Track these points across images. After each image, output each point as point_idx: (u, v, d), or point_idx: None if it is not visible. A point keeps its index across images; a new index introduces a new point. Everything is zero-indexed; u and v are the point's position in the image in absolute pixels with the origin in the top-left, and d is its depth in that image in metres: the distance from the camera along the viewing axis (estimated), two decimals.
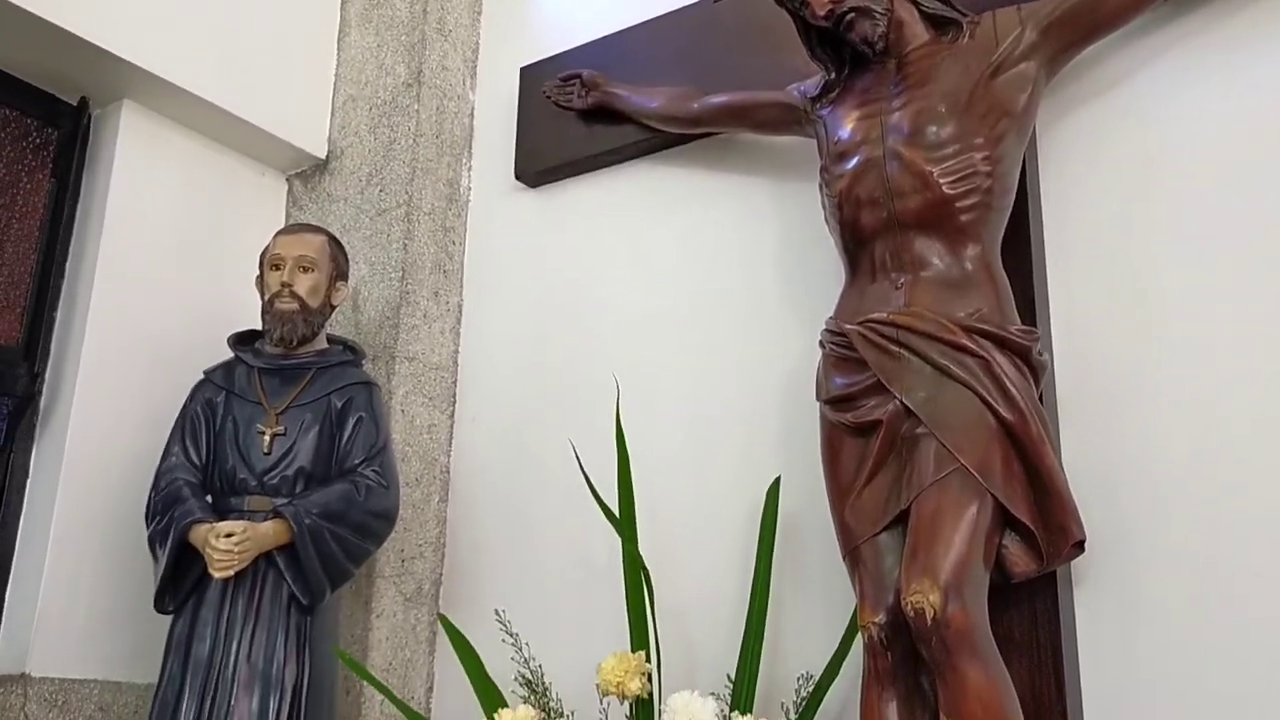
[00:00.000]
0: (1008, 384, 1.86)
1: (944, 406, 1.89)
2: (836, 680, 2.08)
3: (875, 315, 1.97)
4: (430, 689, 2.67)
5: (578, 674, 2.19)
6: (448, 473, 2.84)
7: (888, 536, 1.92)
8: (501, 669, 2.21)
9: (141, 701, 2.47)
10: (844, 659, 2.08)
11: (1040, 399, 1.93)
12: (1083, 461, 1.99)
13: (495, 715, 2.03)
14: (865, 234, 2.03)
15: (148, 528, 2.31)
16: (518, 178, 2.91)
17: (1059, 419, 2.04)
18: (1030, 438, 1.85)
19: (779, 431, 2.36)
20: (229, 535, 2.17)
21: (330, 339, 2.54)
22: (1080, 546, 1.89)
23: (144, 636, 2.47)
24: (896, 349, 1.94)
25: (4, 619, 2.43)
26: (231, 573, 2.18)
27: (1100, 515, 1.95)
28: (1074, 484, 1.88)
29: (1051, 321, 2.09)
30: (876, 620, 1.87)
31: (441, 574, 2.77)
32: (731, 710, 2.03)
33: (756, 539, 2.21)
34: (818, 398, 2.07)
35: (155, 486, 2.34)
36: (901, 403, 1.92)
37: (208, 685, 2.19)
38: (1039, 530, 1.87)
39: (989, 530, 1.84)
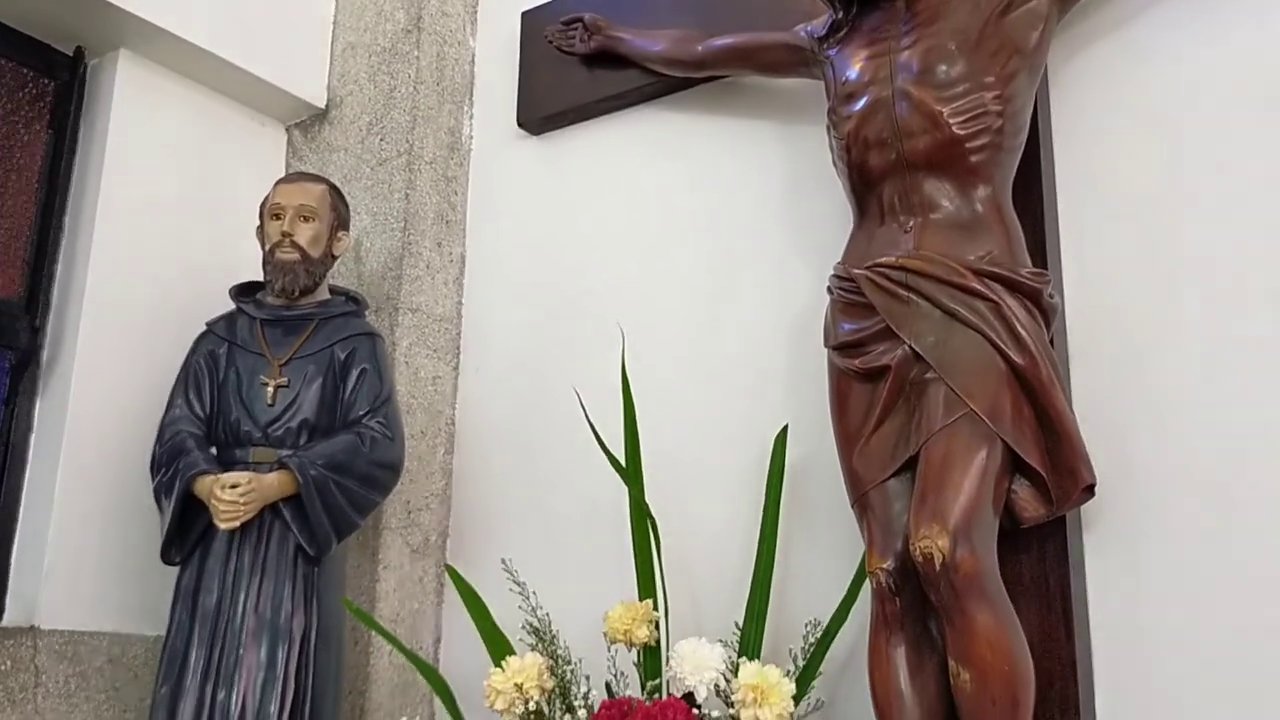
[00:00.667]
0: (1018, 327, 1.84)
1: (953, 351, 1.86)
2: (844, 626, 2.08)
3: (884, 259, 1.94)
4: (438, 640, 2.68)
5: (585, 623, 2.18)
6: (453, 425, 2.82)
7: (896, 483, 1.91)
8: (509, 619, 2.21)
9: (150, 654, 2.48)
10: (852, 605, 2.07)
11: (1051, 342, 1.91)
12: (1093, 405, 1.97)
13: (503, 663, 2.03)
14: (873, 176, 2.00)
15: (153, 480, 2.31)
16: (520, 125, 2.87)
17: (1070, 362, 2.02)
18: (1041, 381, 1.83)
19: (786, 379, 2.34)
20: (234, 486, 2.17)
21: (333, 290, 2.51)
22: (1090, 491, 1.88)
23: (152, 589, 2.47)
24: (905, 293, 1.91)
25: (12, 572, 2.43)
26: (237, 524, 2.18)
27: (1111, 459, 1.94)
28: (1084, 428, 1.87)
29: (1063, 264, 2.06)
30: (885, 566, 1.86)
31: (448, 526, 2.77)
32: (739, 656, 2.02)
33: (764, 487, 2.20)
34: (825, 344, 2.05)
35: (159, 439, 2.33)
36: (910, 348, 1.90)
37: (216, 635, 2.20)
38: (1049, 475, 1.85)
39: (998, 475, 1.82)
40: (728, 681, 1.96)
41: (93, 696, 2.41)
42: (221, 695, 2.17)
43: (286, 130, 3.07)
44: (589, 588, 2.34)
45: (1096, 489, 1.87)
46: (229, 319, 2.45)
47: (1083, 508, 1.95)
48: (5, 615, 2.39)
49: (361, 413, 2.35)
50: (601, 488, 2.44)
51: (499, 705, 1.98)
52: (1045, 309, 1.90)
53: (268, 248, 2.42)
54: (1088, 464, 1.85)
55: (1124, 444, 1.97)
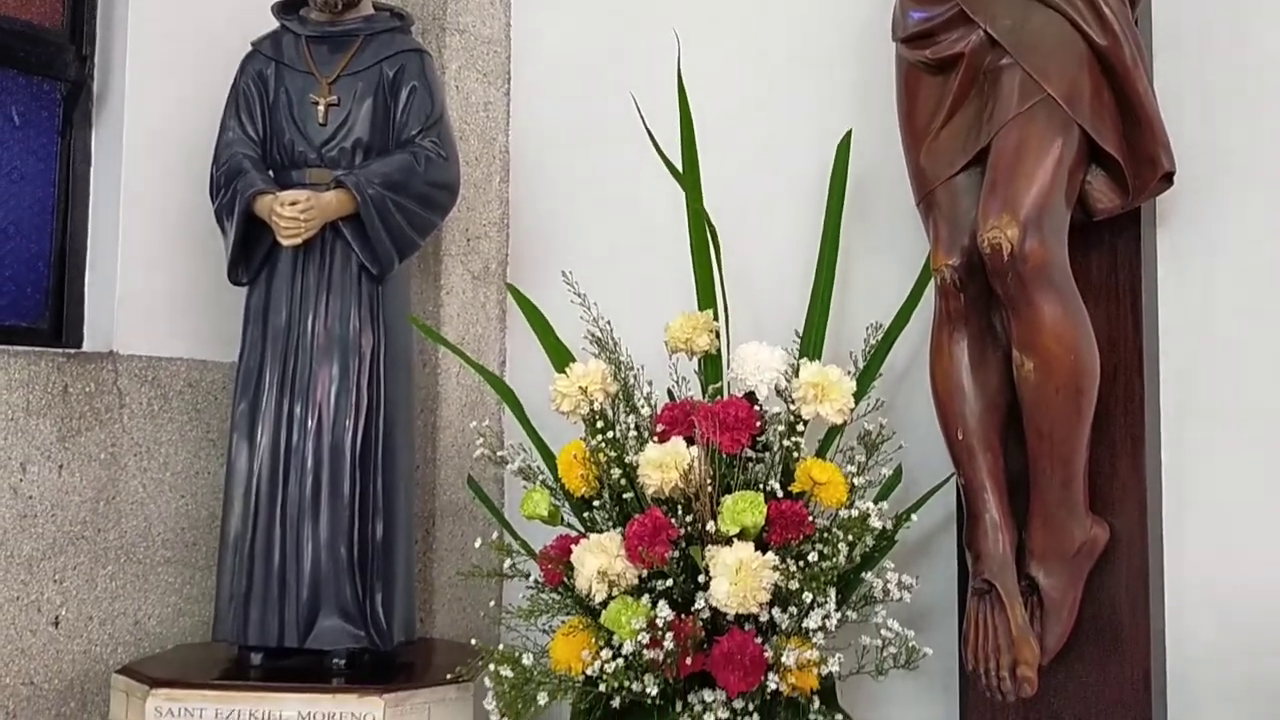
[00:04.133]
0: (1101, 5, 1.74)
1: (1031, 33, 1.77)
2: (906, 329, 2.08)
3: None
4: (503, 363, 2.73)
5: (646, 339, 2.18)
6: (507, 152, 2.78)
7: (965, 178, 1.86)
8: (571, 337, 2.24)
9: (227, 378, 2.55)
10: (914, 307, 2.07)
11: (1135, 22, 1.80)
12: (1177, 89, 1.88)
13: (567, 369, 2.06)
14: None
15: (213, 204, 2.32)
16: None
17: (1153, 43, 1.91)
18: (1123, 63, 1.74)
19: (851, 83, 2.26)
20: (294, 203, 2.17)
21: (376, 5, 2.43)
22: (1169, 179, 1.81)
23: (225, 319, 2.52)
24: None
25: (87, 301, 2.49)
26: (300, 240, 2.19)
27: (1191, 147, 1.86)
28: (1166, 113, 1.78)
29: None
30: (950, 263, 1.84)
31: (507, 254, 2.77)
32: (799, 359, 2.03)
33: (825, 195, 2.16)
34: (894, 37, 1.96)
35: (216, 162, 2.33)
36: (985, 32, 1.81)
37: (288, 351, 2.25)
38: (1126, 163, 1.79)
39: (1073, 164, 1.77)
40: (788, 382, 1.97)
41: (175, 417, 2.51)
42: (299, 409, 2.24)
43: None
44: (649, 305, 2.32)
45: (1175, 178, 1.81)
46: (274, 38, 2.39)
47: (1158, 200, 1.90)
48: (85, 341, 2.47)
49: (414, 132, 2.31)
50: (660, 203, 2.40)
51: (564, 407, 2.03)
52: None
53: None
54: (1168, 151, 1.78)
55: (1207, 131, 1.88)
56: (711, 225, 2.14)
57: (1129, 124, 1.78)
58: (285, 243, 2.19)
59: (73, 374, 2.34)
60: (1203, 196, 1.90)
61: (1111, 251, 1.90)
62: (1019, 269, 1.70)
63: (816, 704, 1.83)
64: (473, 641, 1.99)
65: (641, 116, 2.17)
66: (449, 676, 2.00)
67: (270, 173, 2.32)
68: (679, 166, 2.18)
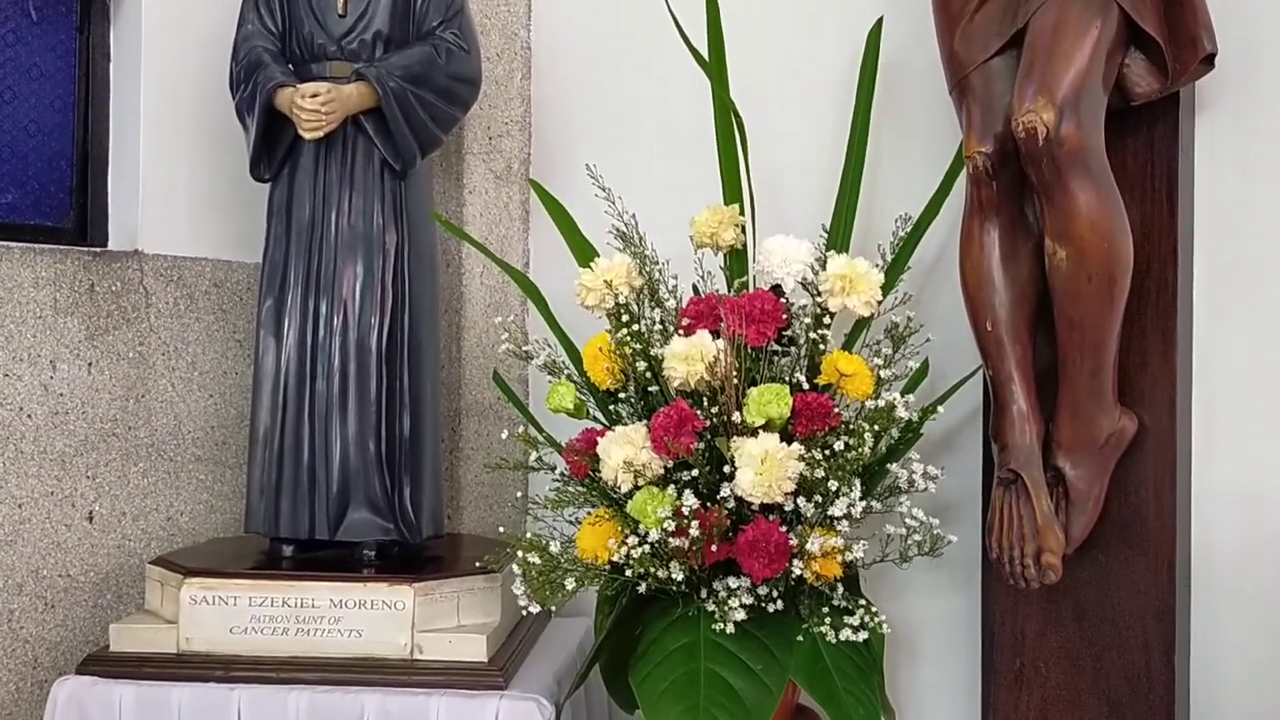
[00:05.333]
0: None
1: None
2: (935, 223, 2.05)
3: None
4: (526, 264, 2.71)
5: (671, 233, 2.16)
6: (529, 49, 2.73)
7: (1000, 62, 1.81)
8: (595, 235, 2.22)
9: (252, 280, 2.55)
10: (944, 199, 2.04)
11: None
12: None
13: (592, 263, 2.05)
14: None
15: (233, 98, 2.29)
16: None
17: None
18: None
19: None
20: (314, 95, 2.14)
21: None
22: (1210, 62, 1.77)
23: (249, 221, 2.51)
24: None
25: (111, 200, 2.49)
26: (322, 133, 2.16)
27: (1233, 31, 1.80)
28: None
29: None
30: (983, 150, 1.80)
31: (530, 153, 2.74)
32: (826, 251, 2.01)
33: (855, 87, 2.11)
34: None
35: (235, 56, 2.29)
36: None
37: (312, 247, 2.25)
38: (1166, 45, 1.74)
39: (1112, 46, 1.72)
40: (815, 275, 1.96)
41: (202, 317, 2.52)
42: (324, 306, 2.24)
43: None
44: (674, 202, 2.29)
45: (1216, 61, 1.76)
46: None
47: (1198, 86, 1.85)
48: (109, 240, 2.47)
49: (435, 24, 2.27)
50: (685, 97, 2.36)
51: (589, 301, 2.01)
52: None
53: None
54: (1210, 31, 1.73)
55: (1249, 6, 1.82)
56: (738, 116, 2.10)
57: (1169, 4, 1.73)
58: (307, 135, 2.17)
59: (99, 273, 2.35)
60: (1242, 84, 1.85)
61: (1148, 139, 1.85)
62: (1054, 153, 1.67)
63: (840, 591, 1.85)
64: (500, 529, 2.01)
65: (668, 3, 2.12)
66: (477, 565, 2.03)
67: (289, 66, 2.29)
68: (705, 56, 2.14)
